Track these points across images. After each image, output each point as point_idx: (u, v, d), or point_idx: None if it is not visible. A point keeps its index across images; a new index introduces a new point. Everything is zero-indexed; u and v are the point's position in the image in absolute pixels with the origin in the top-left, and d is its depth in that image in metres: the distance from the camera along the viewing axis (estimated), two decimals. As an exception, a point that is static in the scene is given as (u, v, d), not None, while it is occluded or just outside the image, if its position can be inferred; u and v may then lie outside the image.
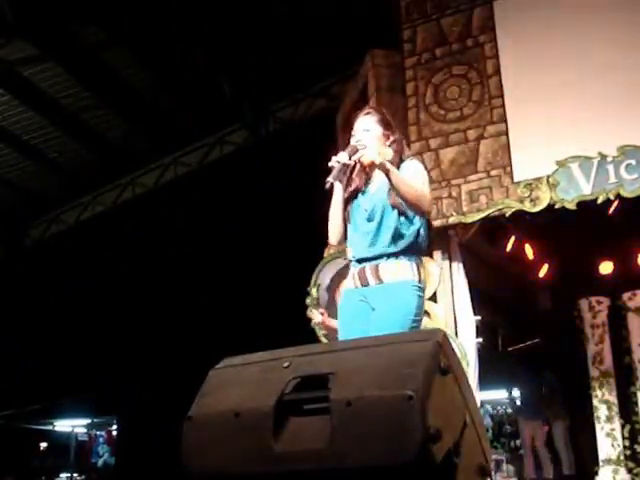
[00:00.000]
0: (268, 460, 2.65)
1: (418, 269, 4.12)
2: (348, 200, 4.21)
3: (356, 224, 4.19)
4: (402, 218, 4.09)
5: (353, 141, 4.17)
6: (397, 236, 4.09)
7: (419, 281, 4.09)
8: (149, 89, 11.66)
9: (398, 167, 4.10)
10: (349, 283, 4.22)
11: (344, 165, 4.01)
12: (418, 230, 4.15)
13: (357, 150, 4.06)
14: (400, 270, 4.07)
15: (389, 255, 4.08)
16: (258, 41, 10.54)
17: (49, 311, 14.77)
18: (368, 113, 4.32)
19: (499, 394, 15.55)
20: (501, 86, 7.89)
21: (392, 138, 4.27)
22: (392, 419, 2.46)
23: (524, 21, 8.00)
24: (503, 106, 7.83)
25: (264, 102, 12.46)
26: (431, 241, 4.30)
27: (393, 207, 4.09)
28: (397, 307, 4.00)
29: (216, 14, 9.79)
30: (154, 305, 14.64)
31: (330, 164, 4.01)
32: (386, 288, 4.04)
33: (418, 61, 8.40)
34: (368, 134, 4.19)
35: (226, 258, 13.52)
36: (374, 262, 4.10)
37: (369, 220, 4.14)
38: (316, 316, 5.12)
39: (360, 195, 4.21)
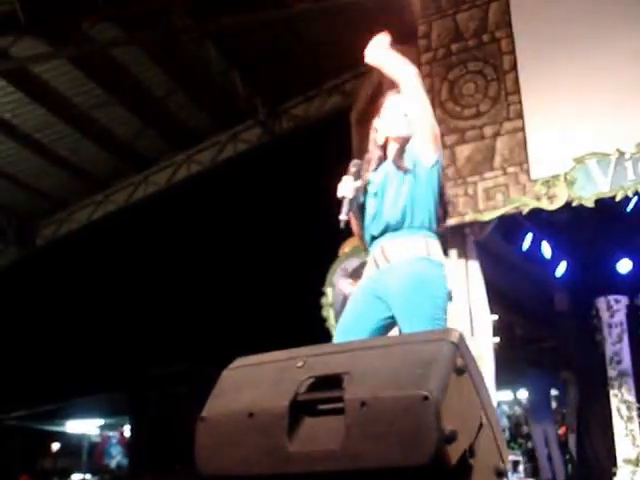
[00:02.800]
0: (282, 460, 2.63)
1: (431, 243, 3.87)
2: (361, 190, 4.00)
3: (366, 202, 4.02)
4: (408, 178, 3.88)
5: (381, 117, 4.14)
6: (401, 206, 3.87)
7: (432, 255, 3.84)
8: (161, 86, 11.64)
9: None
10: (368, 269, 4.01)
11: (351, 200, 3.91)
12: (427, 194, 3.92)
13: (359, 171, 3.98)
14: (408, 246, 3.84)
15: (393, 229, 3.86)
16: (271, 37, 10.52)
17: (61, 311, 14.76)
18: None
19: (516, 394, 15.54)
20: (518, 82, 7.84)
21: None
22: (407, 420, 2.43)
23: (541, 16, 7.95)
24: (520, 102, 7.78)
25: (277, 99, 12.44)
26: (446, 208, 4.12)
27: (398, 169, 3.92)
28: (412, 289, 3.75)
29: (229, 10, 9.75)
30: (166, 305, 14.63)
31: (340, 194, 3.92)
32: (395, 269, 3.81)
33: (434, 57, 8.36)
34: (391, 110, 4.12)
35: (240, 257, 13.50)
36: (380, 241, 3.89)
37: (374, 195, 3.97)
38: (346, 287, 5.05)
39: (370, 182, 4.03)
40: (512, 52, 7.95)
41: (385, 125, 4.12)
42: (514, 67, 7.92)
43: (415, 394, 2.42)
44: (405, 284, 3.76)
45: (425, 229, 3.88)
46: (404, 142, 4.01)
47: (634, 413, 9.69)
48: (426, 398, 2.39)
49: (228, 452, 2.76)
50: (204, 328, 14.48)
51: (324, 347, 3.11)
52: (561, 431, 12.79)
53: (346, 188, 3.91)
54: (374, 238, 3.95)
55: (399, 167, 3.91)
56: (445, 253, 7.82)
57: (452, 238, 8.03)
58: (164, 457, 15.98)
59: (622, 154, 7.14)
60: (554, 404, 13.26)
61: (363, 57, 4.14)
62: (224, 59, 11.00)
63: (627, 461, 9.51)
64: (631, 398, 9.76)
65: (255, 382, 2.89)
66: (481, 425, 2.69)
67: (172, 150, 13.49)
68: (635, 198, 7.65)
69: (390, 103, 4.17)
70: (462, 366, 2.60)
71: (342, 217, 3.87)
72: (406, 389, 2.47)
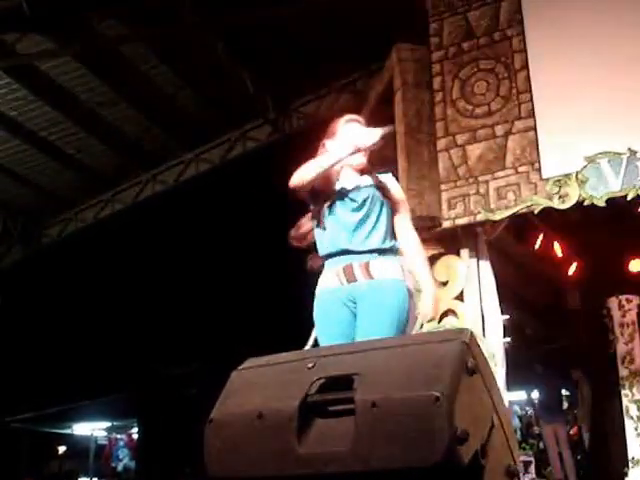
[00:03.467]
0: (292, 462, 2.62)
1: (405, 271, 4.12)
2: (328, 195, 4.16)
3: (338, 215, 4.12)
4: (385, 208, 4.15)
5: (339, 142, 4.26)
6: (387, 232, 4.11)
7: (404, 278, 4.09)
8: (169, 84, 11.58)
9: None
10: (329, 281, 4.10)
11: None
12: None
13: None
14: (391, 268, 4.03)
15: (380, 252, 4.05)
16: (281, 35, 10.48)
17: (67, 311, 14.69)
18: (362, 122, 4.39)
19: (527, 394, 15.49)
20: (529, 81, 7.79)
21: None
22: (418, 420, 2.43)
23: (553, 14, 7.91)
24: (531, 101, 7.73)
25: (288, 97, 12.40)
26: None
27: (385, 201, 4.15)
28: (389, 305, 3.94)
29: (238, 7, 9.71)
30: (174, 305, 14.57)
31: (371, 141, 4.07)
32: (379, 284, 3.98)
33: (445, 55, 8.31)
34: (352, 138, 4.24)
35: (250, 255, 13.44)
36: (363, 258, 4.03)
37: (357, 210, 4.09)
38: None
39: (344, 189, 4.17)
40: (523, 50, 7.90)
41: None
42: (526, 65, 7.87)
43: (426, 395, 2.42)
44: (383, 301, 3.94)
45: (398, 255, 4.14)
46: (362, 170, 4.24)
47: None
48: (437, 399, 2.39)
49: (237, 454, 2.76)
50: (214, 328, 14.44)
51: (335, 348, 3.12)
52: (572, 431, 12.76)
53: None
54: (347, 252, 4.06)
55: (387, 200, 4.18)
56: (457, 253, 7.88)
57: (463, 237, 8.01)
58: (173, 459, 15.96)
59: (634, 153, 7.09)
60: (565, 404, 13.24)
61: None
62: (234, 57, 10.95)
63: (637, 462, 9.47)
64: (642, 398, 9.73)
65: (265, 383, 2.89)
66: (493, 425, 2.68)
67: (180, 148, 13.43)
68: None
69: (350, 131, 4.27)
70: (473, 366, 2.60)
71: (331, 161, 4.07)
72: (417, 390, 2.47)
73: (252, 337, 11.13)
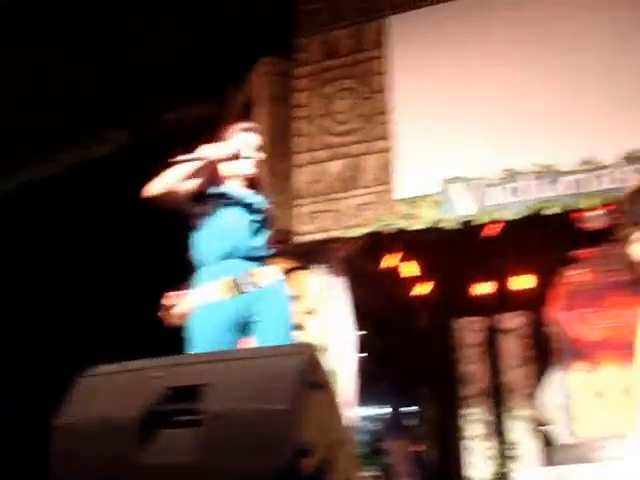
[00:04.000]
0: (133, 472, 2.59)
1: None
2: (212, 199, 4.17)
3: (230, 221, 4.14)
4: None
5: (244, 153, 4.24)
6: (265, 234, 4.29)
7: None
8: (29, 82, 11.27)
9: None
10: (216, 293, 4.03)
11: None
12: None
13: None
14: (274, 272, 4.21)
15: (263, 260, 4.21)
16: (145, 40, 10.36)
17: None
18: (257, 131, 4.43)
19: (376, 410, 15.70)
20: (390, 102, 7.90)
21: None
22: (262, 433, 2.43)
23: (416, 38, 8.03)
24: (391, 122, 7.84)
25: (149, 104, 12.26)
26: None
27: (264, 211, 4.31)
28: (284, 307, 4.19)
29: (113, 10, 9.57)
30: (18, 311, 14.16)
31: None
32: (270, 291, 4.12)
33: (310, 72, 8.35)
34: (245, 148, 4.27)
35: (104, 264, 13.19)
36: (250, 267, 4.10)
37: (253, 219, 4.21)
38: None
39: (240, 195, 4.24)
40: (386, 72, 7.98)
41: (240, 162, 4.25)
42: (387, 87, 7.97)
43: (271, 408, 2.43)
44: (282, 305, 4.19)
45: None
46: (250, 181, 4.36)
47: (487, 431, 9.92)
48: (281, 412, 2.40)
49: (80, 461, 2.71)
50: (62, 334, 14.08)
51: (183, 357, 3.10)
52: (418, 448, 12.97)
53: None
54: (235, 258, 4.10)
55: (265, 210, 4.33)
56: (310, 268, 7.93)
57: (318, 253, 8.06)
58: (15, 464, 15.51)
59: (489, 179, 7.27)
60: (412, 421, 13.45)
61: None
62: (97, 58, 10.76)
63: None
64: (487, 418, 9.99)
65: (111, 390, 2.84)
66: (336, 440, 2.70)
67: (38, 148, 13.07)
68: (499, 223, 7.83)
69: (239, 138, 4.32)
70: (317, 380, 2.62)
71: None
72: (262, 402, 2.47)
73: (102, 343, 10.90)
